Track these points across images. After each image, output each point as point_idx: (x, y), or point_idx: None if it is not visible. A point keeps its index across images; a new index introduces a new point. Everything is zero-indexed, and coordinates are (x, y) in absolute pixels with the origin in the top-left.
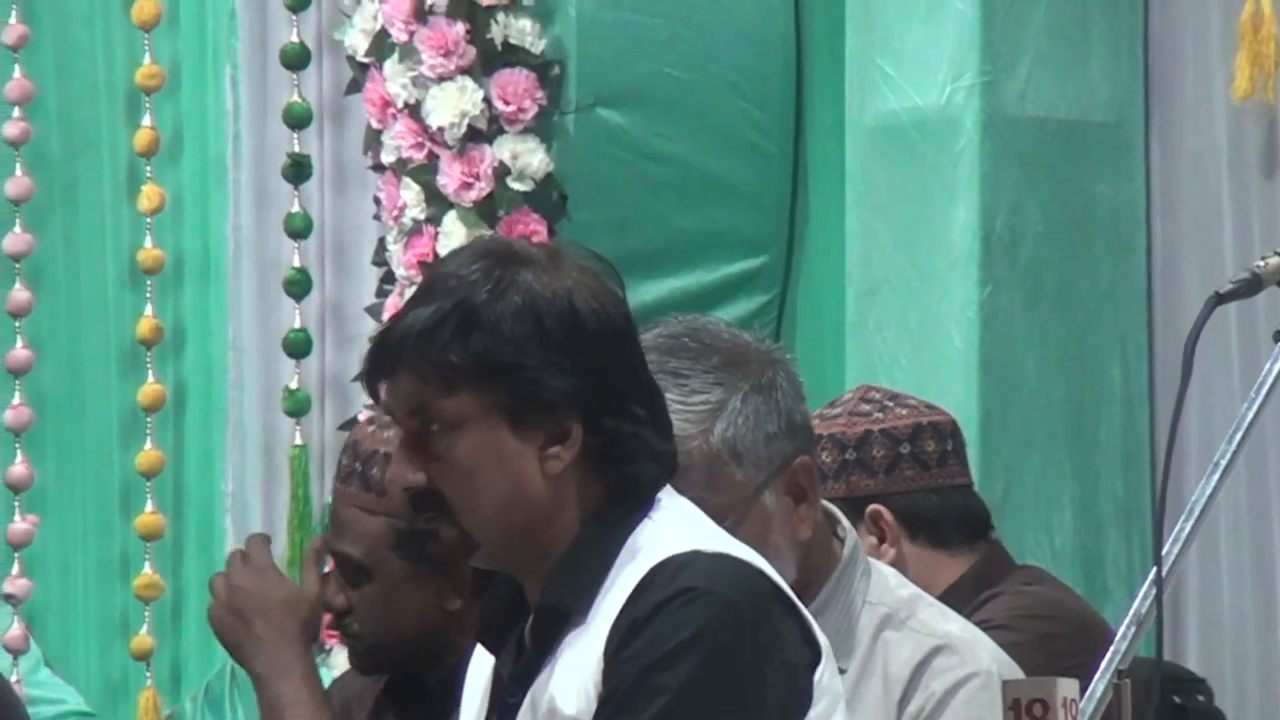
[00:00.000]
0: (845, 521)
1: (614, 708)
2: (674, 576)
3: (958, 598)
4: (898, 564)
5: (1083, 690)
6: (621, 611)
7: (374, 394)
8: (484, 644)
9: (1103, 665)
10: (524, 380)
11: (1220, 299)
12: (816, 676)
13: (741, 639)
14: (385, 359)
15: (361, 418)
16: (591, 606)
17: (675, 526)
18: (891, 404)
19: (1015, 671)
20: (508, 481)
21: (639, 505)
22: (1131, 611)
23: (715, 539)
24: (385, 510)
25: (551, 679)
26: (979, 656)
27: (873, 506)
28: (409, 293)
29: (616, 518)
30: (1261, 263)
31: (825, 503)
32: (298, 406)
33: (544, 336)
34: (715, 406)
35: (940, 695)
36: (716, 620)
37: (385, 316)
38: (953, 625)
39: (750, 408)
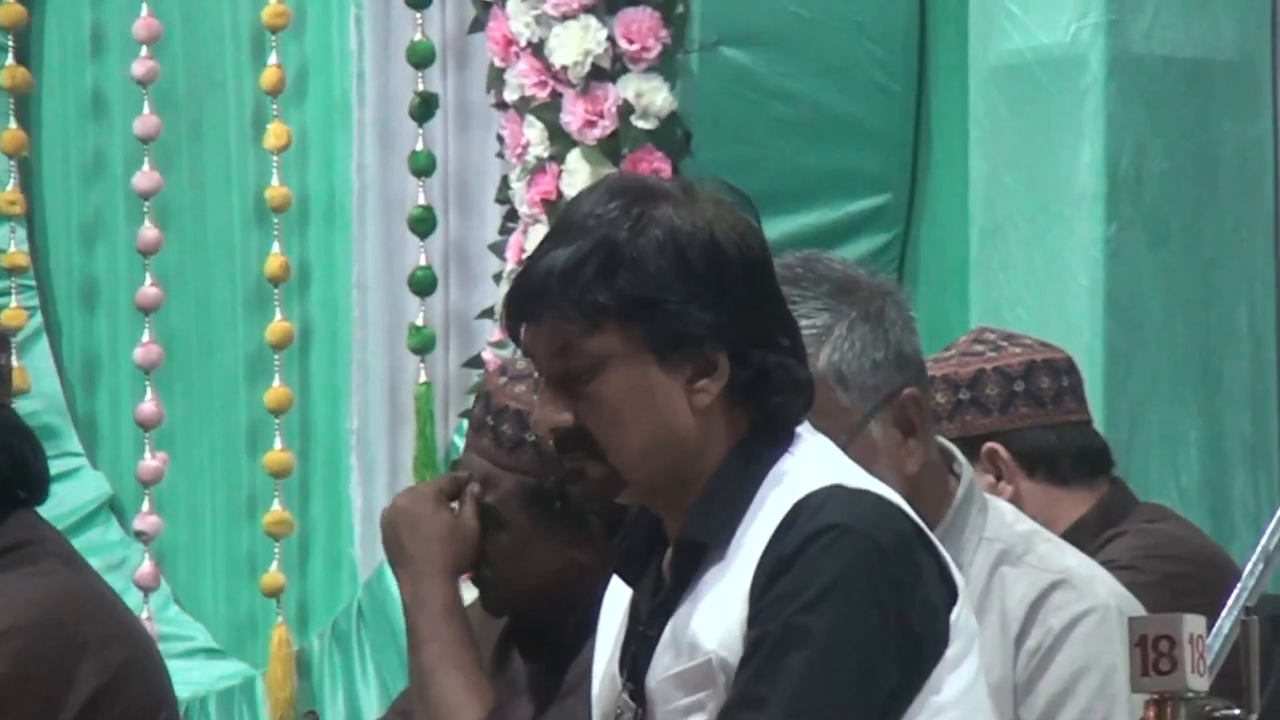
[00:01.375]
0: (961, 458)
1: (765, 651)
2: (817, 512)
3: (1081, 536)
4: (1015, 501)
5: (1209, 627)
6: (767, 548)
7: (515, 336)
8: (622, 576)
9: (1230, 602)
10: (669, 315)
11: None
12: (954, 616)
13: (884, 579)
14: (527, 301)
15: (488, 357)
16: (732, 540)
17: (815, 461)
18: (1005, 343)
19: (1134, 607)
20: (657, 417)
21: (780, 439)
22: (1259, 549)
23: (855, 474)
24: (515, 466)
25: (693, 613)
26: (1096, 592)
27: (988, 444)
28: (533, 231)
29: (757, 451)
30: None
31: (941, 439)
32: (423, 344)
33: (687, 270)
34: (821, 331)
35: (1058, 631)
36: (860, 560)
37: (509, 254)
38: (1070, 560)
39: (857, 334)
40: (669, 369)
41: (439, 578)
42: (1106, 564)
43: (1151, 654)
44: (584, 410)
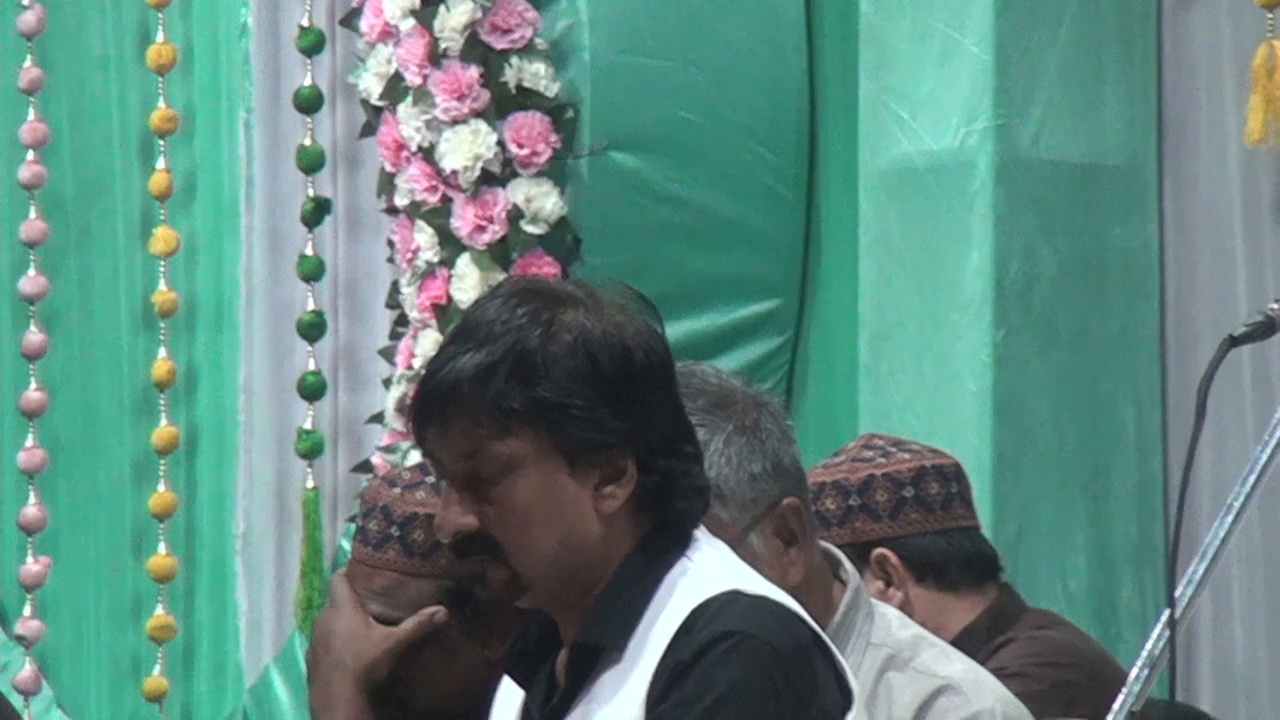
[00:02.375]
0: (848, 564)
1: None
2: (716, 618)
3: (971, 642)
4: (905, 608)
5: None
6: (665, 653)
7: (420, 439)
8: (513, 677)
9: (1115, 707)
10: (580, 421)
11: (1234, 342)
12: None
13: (782, 686)
14: (436, 406)
15: (377, 462)
16: (629, 644)
17: (713, 565)
18: (895, 449)
19: (1020, 711)
20: (564, 522)
21: (678, 543)
22: (1145, 653)
23: (753, 580)
24: (431, 573)
25: (588, 715)
26: (983, 696)
27: (878, 550)
28: (423, 335)
29: (656, 555)
30: (1275, 305)
31: (827, 545)
32: (311, 449)
33: (598, 375)
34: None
35: None
36: (758, 667)
37: (399, 359)
38: (955, 666)
39: (734, 449)
40: (578, 474)
41: (350, 682)
42: (997, 672)
43: None
44: (490, 514)
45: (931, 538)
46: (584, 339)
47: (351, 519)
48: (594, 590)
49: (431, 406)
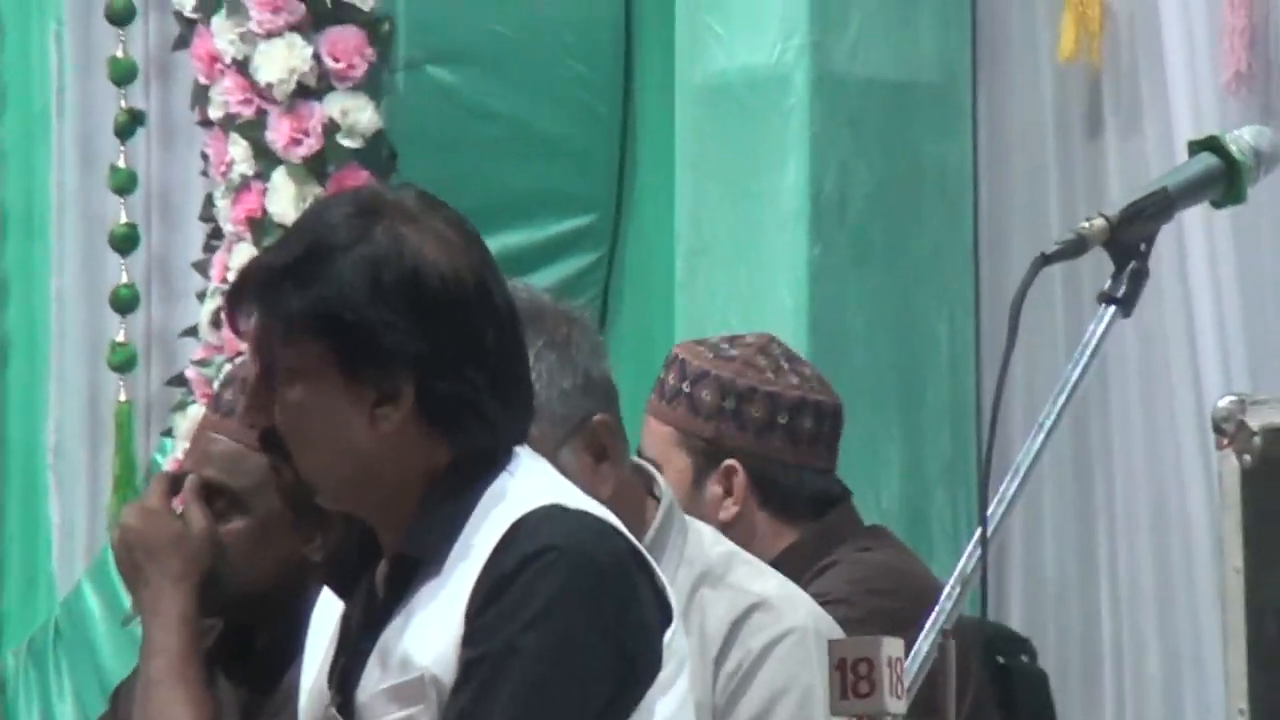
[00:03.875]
0: (662, 481)
1: (482, 672)
2: (535, 531)
3: (796, 562)
4: (738, 522)
5: (908, 649)
6: (485, 567)
7: (234, 328)
8: (332, 587)
9: (927, 625)
10: (358, 337)
11: (1046, 260)
12: (667, 638)
13: (602, 600)
14: (236, 296)
15: (191, 375)
16: (448, 557)
17: (534, 480)
18: (787, 366)
19: (833, 629)
20: (334, 436)
21: (497, 458)
22: (956, 571)
23: (573, 495)
24: None
25: (406, 628)
26: (795, 613)
27: (730, 461)
28: (237, 249)
29: (472, 471)
30: (1087, 224)
31: (640, 462)
32: (124, 361)
33: (382, 294)
34: None
35: (757, 652)
36: (578, 581)
37: (213, 272)
38: (769, 583)
39: (544, 364)
40: (352, 391)
41: (172, 587)
42: (819, 596)
43: (850, 676)
44: (276, 414)
45: (786, 468)
46: (375, 255)
47: (165, 432)
48: (402, 505)
49: (234, 294)
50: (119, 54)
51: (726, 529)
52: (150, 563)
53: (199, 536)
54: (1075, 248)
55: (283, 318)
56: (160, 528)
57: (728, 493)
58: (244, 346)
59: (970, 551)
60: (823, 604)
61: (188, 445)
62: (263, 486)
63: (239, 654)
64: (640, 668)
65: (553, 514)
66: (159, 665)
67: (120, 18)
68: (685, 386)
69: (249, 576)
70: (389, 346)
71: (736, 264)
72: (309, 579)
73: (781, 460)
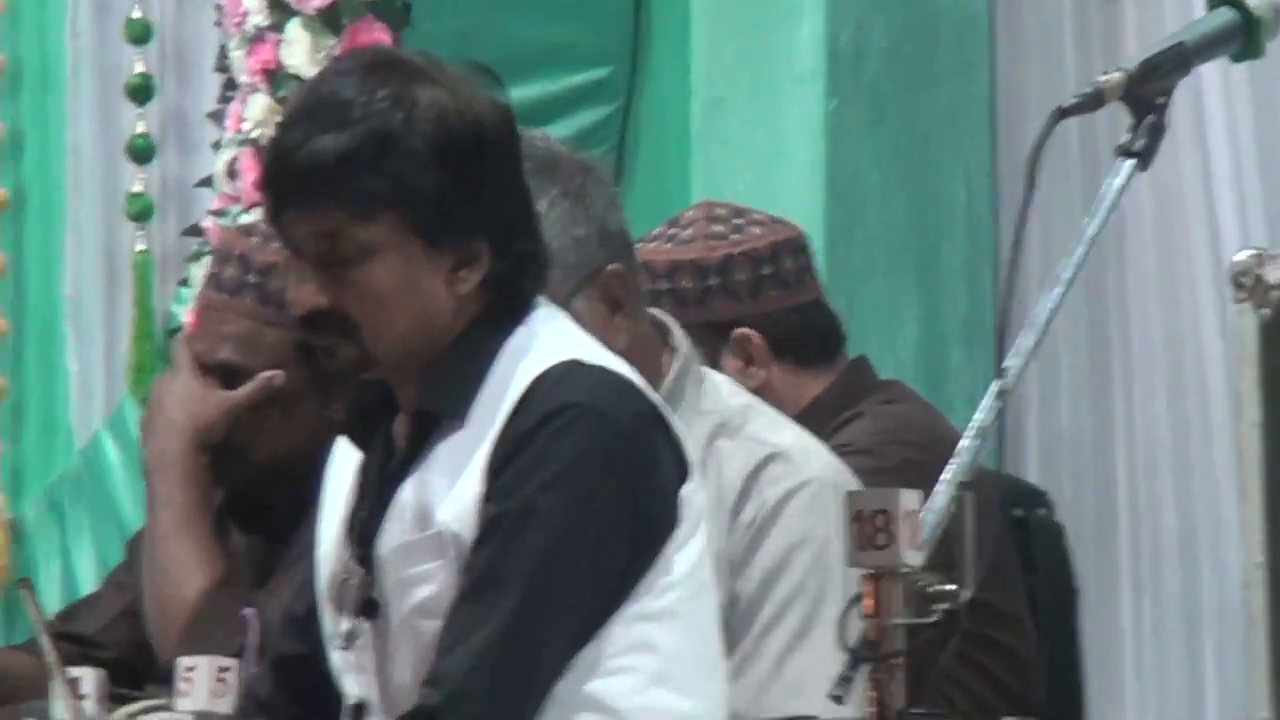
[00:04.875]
0: (678, 332)
1: (502, 530)
2: (555, 389)
3: (820, 415)
4: (765, 386)
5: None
6: (505, 425)
7: (275, 219)
8: (351, 439)
9: (944, 478)
10: (439, 205)
11: (1063, 113)
12: (685, 494)
13: (621, 458)
14: (294, 187)
15: (207, 226)
16: (468, 411)
17: (553, 335)
18: (742, 221)
19: (851, 480)
20: (418, 305)
21: (518, 312)
22: (974, 425)
23: (592, 350)
24: (285, 322)
25: (425, 483)
26: (812, 465)
27: (740, 330)
28: (252, 100)
29: (496, 325)
30: (1104, 78)
31: (655, 312)
32: (141, 211)
33: (457, 158)
34: None
35: (774, 503)
36: (597, 439)
37: (228, 123)
38: (785, 435)
39: (558, 212)
40: (434, 258)
41: (184, 443)
42: (843, 447)
43: (868, 529)
44: (345, 295)
45: (789, 314)
46: (444, 122)
47: (182, 282)
48: (433, 357)
49: (289, 186)
50: None
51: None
52: (160, 416)
53: (222, 404)
54: (1092, 101)
55: (358, 199)
56: (175, 386)
57: (748, 362)
58: (260, 202)
59: (987, 405)
60: (848, 454)
61: (193, 326)
62: (282, 361)
63: (256, 510)
64: (658, 524)
65: (572, 370)
66: (166, 518)
67: None
68: (662, 285)
69: (275, 450)
70: (464, 210)
71: (752, 118)
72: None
73: (782, 308)
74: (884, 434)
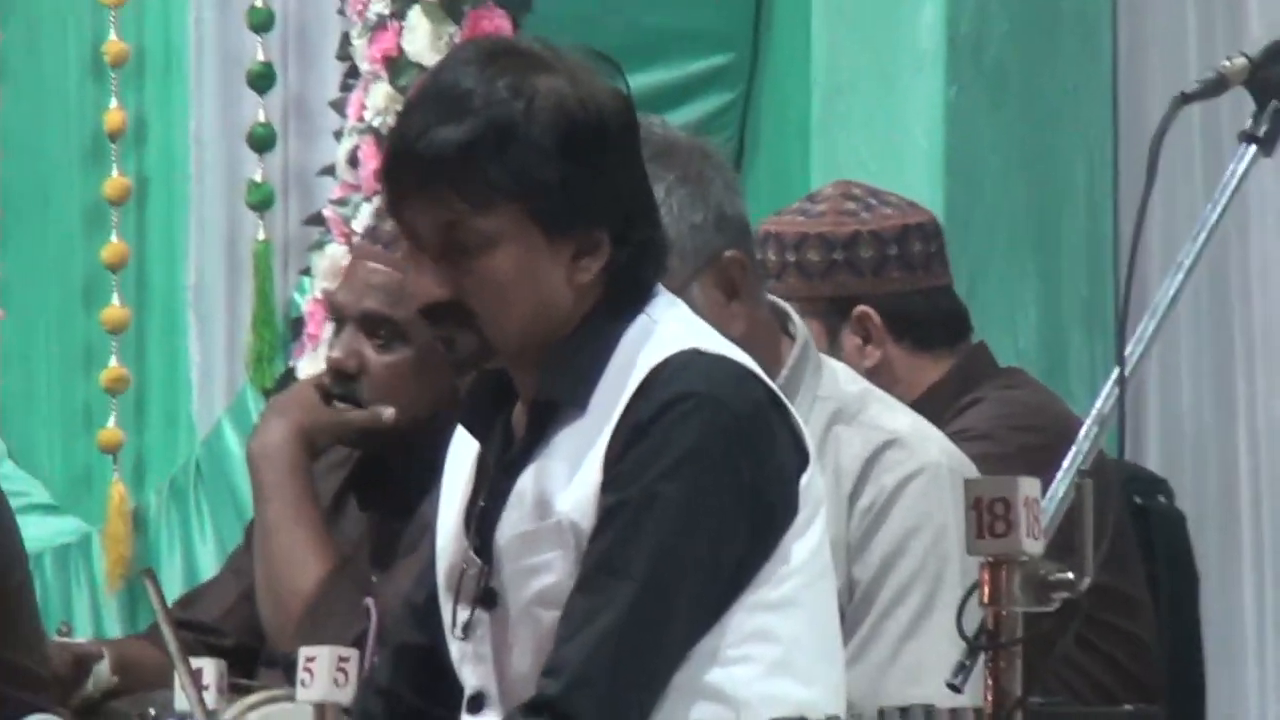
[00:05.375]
0: (796, 318)
1: (622, 518)
2: (674, 377)
3: (939, 400)
4: (882, 366)
5: (1045, 489)
6: (624, 413)
7: (395, 209)
8: (469, 429)
9: (1065, 464)
10: (560, 195)
11: (1186, 99)
12: (804, 481)
13: (740, 447)
14: (416, 177)
15: (328, 214)
16: (588, 398)
17: (671, 323)
18: (875, 202)
19: (967, 466)
20: (539, 294)
21: (637, 300)
22: (1094, 412)
23: (711, 339)
24: None
25: (545, 472)
26: (929, 450)
27: (860, 308)
28: (374, 88)
29: (615, 313)
30: (1227, 63)
31: (774, 299)
32: (262, 200)
33: (578, 148)
34: None
35: (891, 489)
36: (716, 427)
37: (350, 111)
38: (902, 420)
39: (675, 198)
40: (555, 247)
41: (289, 435)
42: (963, 432)
43: (987, 516)
44: (466, 285)
45: (912, 297)
46: (564, 111)
47: (303, 271)
48: (552, 345)
49: (410, 177)
50: None
51: (872, 376)
52: (273, 411)
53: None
54: (1215, 86)
55: (479, 190)
56: (290, 394)
57: (866, 340)
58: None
59: (1108, 391)
60: (967, 440)
61: (341, 278)
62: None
63: (374, 481)
64: (776, 513)
65: (691, 359)
66: (276, 509)
67: None
68: (789, 256)
69: (405, 405)
70: (585, 198)
71: (872, 104)
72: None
73: (905, 290)
74: (1004, 419)
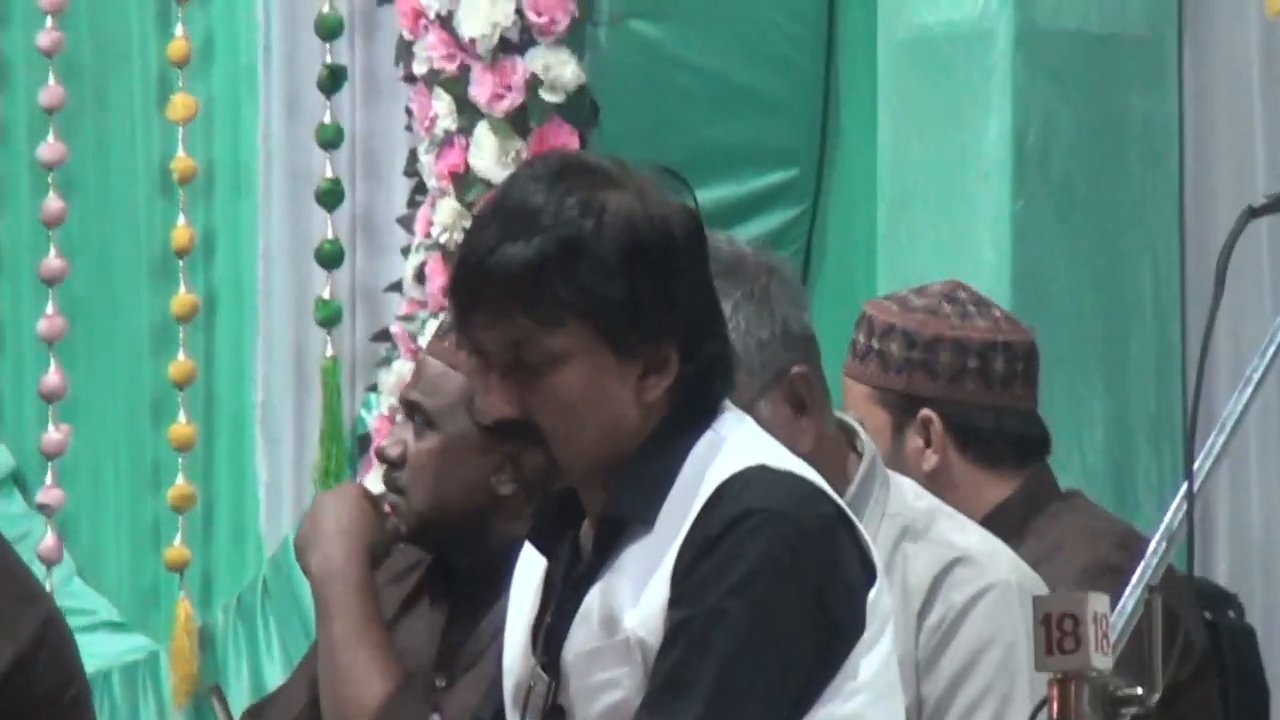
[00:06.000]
0: (864, 435)
1: (688, 636)
2: (741, 493)
3: (1007, 520)
4: (940, 471)
5: (1114, 605)
6: (691, 529)
7: (463, 326)
8: (537, 545)
9: (1133, 580)
10: (629, 313)
11: (1254, 213)
12: (871, 598)
13: (807, 563)
14: (485, 295)
15: (396, 331)
16: (656, 515)
17: (739, 439)
18: (974, 310)
19: (1036, 583)
20: (607, 412)
21: (704, 416)
22: (1163, 526)
23: (778, 454)
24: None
25: (612, 589)
26: (998, 567)
27: (926, 411)
28: (441, 204)
29: (683, 429)
30: None
31: (843, 415)
32: (329, 317)
33: (647, 265)
34: None
35: (960, 606)
36: (784, 544)
37: (417, 227)
38: (971, 537)
39: (742, 315)
40: (623, 365)
41: (352, 553)
42: (1056, 549)
43: (1056, 632)
44: (533, 403)
45: (983, 411)
46: (633, 229)
47: (370, 388)
48: (619, 462)
49: (479, 294)
50: (325, 9)
51: (930, 480)
52: (330, 525)
53: (388, 527)
54: None
55: (547, 308)
56: (352, 501)
57: (927, 443)
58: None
59: (1176, 506)
60: (1060, 559)
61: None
62: (454, 406)
63: (439, 578)
64: (844, 630)
65: (759, 475)
66: (341, 626)
67: None
68: (875, 343)
69: (432, 494)
70: (653, 316)
71: (939, 217)
72: (496, 512)
73: (977, 404)
74: (1096, 535)
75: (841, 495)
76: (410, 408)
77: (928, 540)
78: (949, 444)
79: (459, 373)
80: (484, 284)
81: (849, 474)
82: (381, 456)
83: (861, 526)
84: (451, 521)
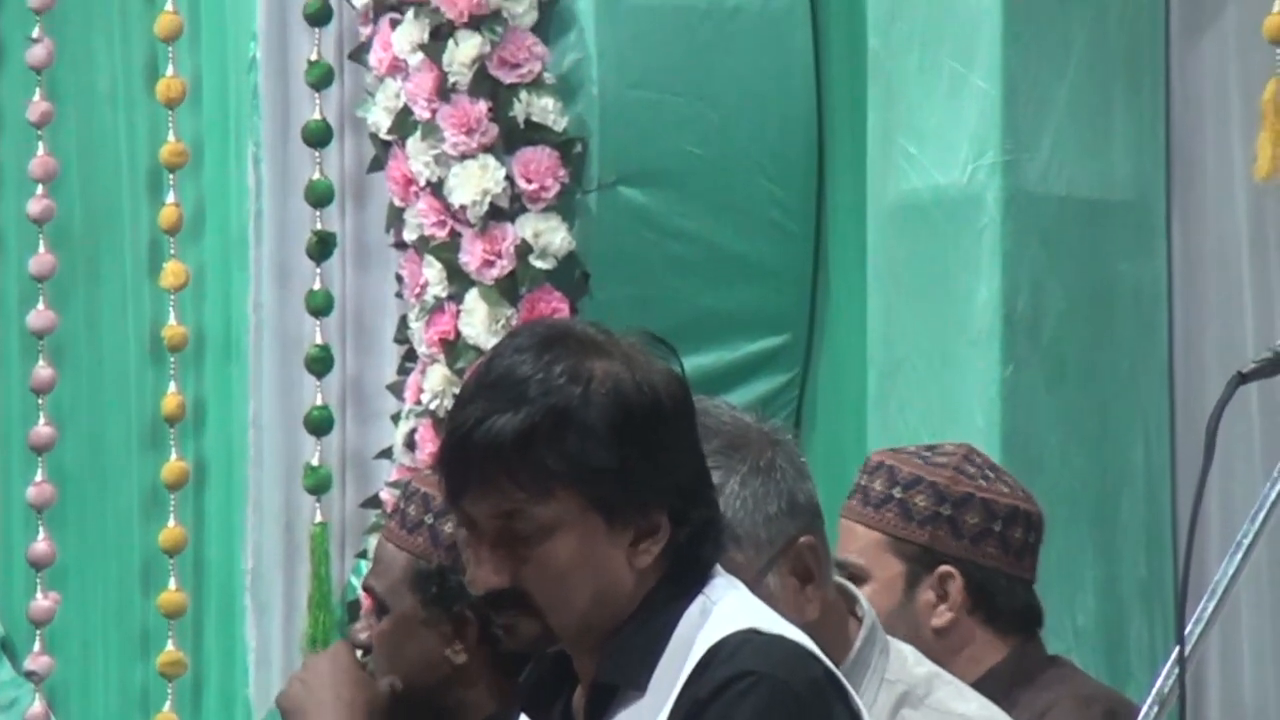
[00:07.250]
0: (864, 600)
1: None
2: (732, 656)
3: (996, 684)
4: (951, 629)
5: None
6: (682, 692)
7: (453, 498)
8: (528, 713)
9: None
10: (618, 480)
11: (1243, 379)
12: None
13: None
14: (474, 466)
15: (385, 497)
16: (648, 681)
17: (730, 604)
18: (994, 475)
19: None
20: (600, 579)
21: (696, 582)
22: (1154, 691)
23: (770, 619)
24: (411, 547)
25: None
26: None
27: (946, 567)
28: (431, 370)
29: (674, 594)
30: None
31: (842, 581)
32: (319, 484)
33: (635, 432)
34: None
35: None
36: (775, 707)
37: (407, 394)
38: (971, 704)
39: (749, 490)
40: (614, 532)
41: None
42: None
43: None
44: (525, 572)
45: (998, 576)
46: (621, 396)
47: (360, 554)
48: (613, 628)
49: (468, 466)
50: (315, 176)
51: (937, 637)
52: (321, 693)
53: (378, 690)
54: (1272, 365)
55: (537, 478)
56: (338, 665)
57: (941, 599)
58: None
59: (1168, 671)
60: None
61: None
62: (398, 585)
63: None
64: None
65: (749, 639)
66: None
67: (317, 140)
68: (896, 492)
69: (395, 674)
70: (643, 483)
71: (929, 383)
72: (457, 681)
73: (993, 568)
74: (1090, 702)
75: (842, 660)
76: (368, 592)
77: (927, 707)
78: (964, 603)
79: (403, 551)
80: (473, 457)
81: (849, 638)
82: (354, 643)
83: (854, 691)
84: (420, 699)
